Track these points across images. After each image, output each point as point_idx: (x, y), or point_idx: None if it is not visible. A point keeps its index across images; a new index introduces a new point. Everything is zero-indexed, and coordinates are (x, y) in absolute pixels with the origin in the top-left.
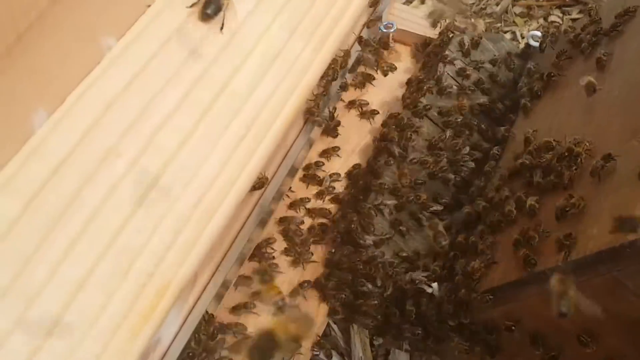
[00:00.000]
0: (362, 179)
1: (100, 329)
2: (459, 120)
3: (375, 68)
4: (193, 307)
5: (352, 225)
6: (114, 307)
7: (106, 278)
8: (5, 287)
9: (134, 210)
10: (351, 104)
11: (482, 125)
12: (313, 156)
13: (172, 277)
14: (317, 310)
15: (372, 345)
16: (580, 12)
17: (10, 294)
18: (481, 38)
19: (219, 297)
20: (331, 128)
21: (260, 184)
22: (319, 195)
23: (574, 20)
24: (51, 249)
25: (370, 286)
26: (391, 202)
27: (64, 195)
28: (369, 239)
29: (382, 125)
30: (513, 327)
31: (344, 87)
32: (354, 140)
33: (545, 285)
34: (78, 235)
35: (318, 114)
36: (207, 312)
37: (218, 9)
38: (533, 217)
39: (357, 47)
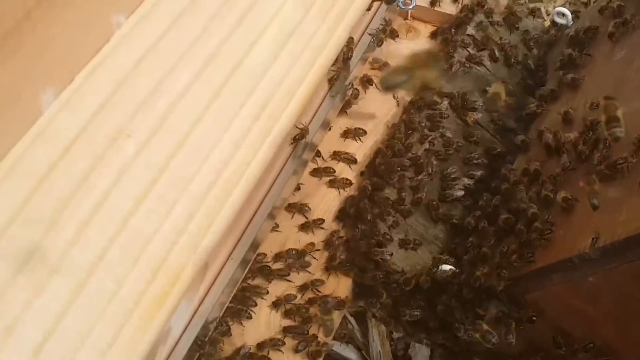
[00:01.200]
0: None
1: (111, 315)
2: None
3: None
4: (204, 297)
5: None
6: (125, 293)
7: (117, 263)
8: (15, 273)
9: (145, 194)
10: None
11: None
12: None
13: (185, 263)
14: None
15: (390, 338)
16: None
17: (19, 279)
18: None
19: (233, 284)
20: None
21: (301, 135)
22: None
23: None
24: (61, 233)
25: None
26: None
27: (73, 177)
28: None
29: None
30: (534, 318)
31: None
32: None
33: (571, 273)
34: (88, 219)
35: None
36: None
37: None
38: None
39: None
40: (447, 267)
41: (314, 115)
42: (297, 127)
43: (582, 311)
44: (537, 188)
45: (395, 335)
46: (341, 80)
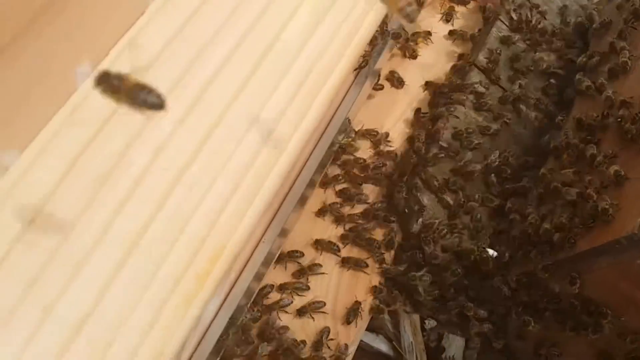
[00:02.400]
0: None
1: (152, 295)
2: None
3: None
4: (236, 281)
5: None
6: (166, 272)
7: (157, 243)
8: (53, 251)
9: (183, 171)
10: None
11: None
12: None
13: (226, 242)
14: None
15: (422, 329)
16: None
17: (58, 257)
18: None
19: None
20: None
21: (365, 62)
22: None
23: None
24: (99, 211)
25: None
26: None
27: (110, 154)
28: None
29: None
30: (575, 303)
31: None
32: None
33: (619, 255)
34: (126, 197)
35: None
36: None
37: None
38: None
39: None
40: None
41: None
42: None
43: (630, 296)
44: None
45: (428, 325)
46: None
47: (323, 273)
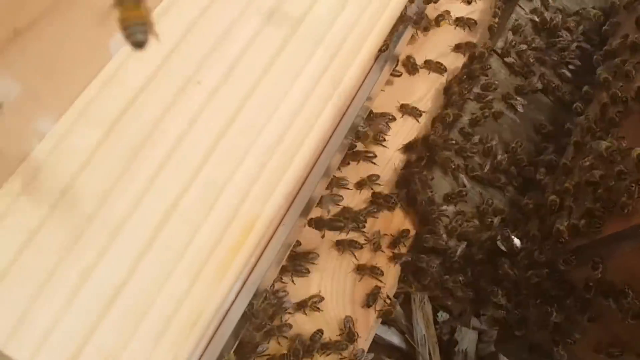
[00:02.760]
0: None
1: (187, 263)
2: None
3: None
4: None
5: None
6: (201, 241)
7: (191, 212)
8: (90, 217)
9: (216, 142)
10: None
11: None
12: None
13: (259, 212)
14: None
15: (435, 322)
16: None
17: (93, 224)
18: None
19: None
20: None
21: (385, 46)
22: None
23: None
24: (134, 180)
25: None
26: None
27: (144, 124)
28: None
29: None
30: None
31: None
32: None
33: None
34: (160, 167)
35: None
36: None
37: None
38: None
39: None
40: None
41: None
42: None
43: None
44: None
45: (441, 319)
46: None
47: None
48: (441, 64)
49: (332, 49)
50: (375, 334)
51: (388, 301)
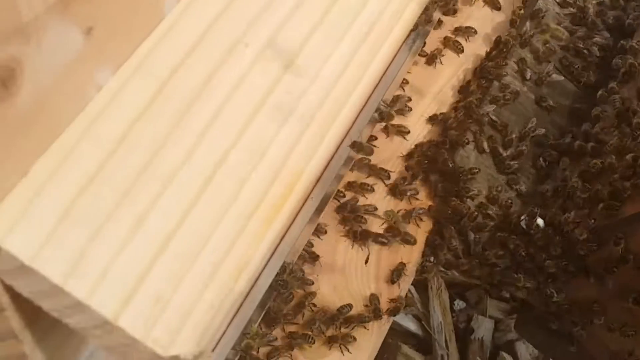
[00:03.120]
0: None
1: (233, 215)
2: None
3: None
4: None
5: None
6: (246, 195)
7: (239, 166)
8: (144, 166)
9: (262, 101)
10: None
11: None
12: None
13: (303, 168)
14: None
15: (452, 310)
16: None
17: (148, 173)
18: None
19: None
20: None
21: (415, 26)
22: None
23: None
24: (184, 135)
25: None
26: None
27: (196, 80)
28: None
29: None
30: (615, 270)
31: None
32: None
33: None
34: (211, 121)
35: None
36: None
37: None
38: None
39: None
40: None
41: None
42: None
43: None
44: None
45: (457, 307)
46: None
47: None
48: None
49: (375, 13)
50: (393, 319)
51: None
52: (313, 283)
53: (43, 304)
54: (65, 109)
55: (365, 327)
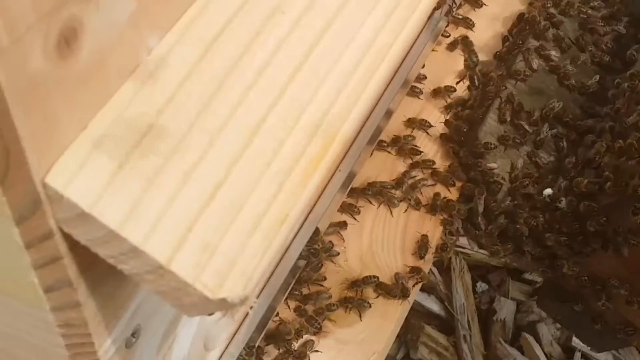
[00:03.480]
0: None
1: (275, 170)
2: None
3: None
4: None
5: None
6: (286, 152)
7: (278, 126)
8: (191, 123)
9: (300, 64)
10: None
11: None
12: None
13: (337, 130)
14: None
15: (474, 292)
16: None
17: (195, 129)
18: None
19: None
20: None
21: (438, 5)
22: None
23: None
24: (229, 94)
25: None
26: None
27: (237, 45)
28: None
29: None
30: (633, 241)
31: None
32: None
33: None
34: (251, 84)
35: None
36: None
37: None
38: None
39: None
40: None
41: None
42: None
43: None
44: None
45: (479, 288)
46: None
47: None
48: None
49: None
50: (415, 300)
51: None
52: (338, 254)
53: (100, 250)
54: (119, 69)
55: (391, 297)
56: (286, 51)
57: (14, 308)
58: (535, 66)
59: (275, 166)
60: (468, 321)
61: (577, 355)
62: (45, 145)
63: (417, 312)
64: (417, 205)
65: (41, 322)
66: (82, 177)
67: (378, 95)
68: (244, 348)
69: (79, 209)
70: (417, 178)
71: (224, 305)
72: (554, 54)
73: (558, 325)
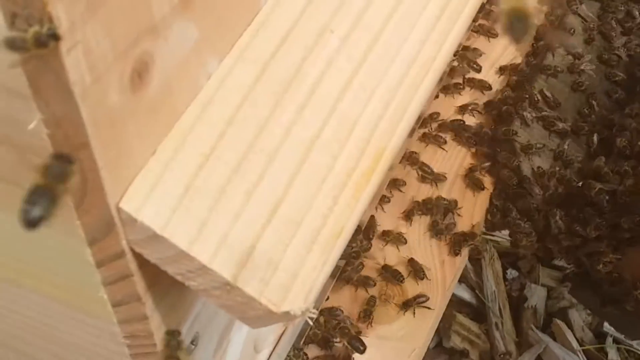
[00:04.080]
0: None
1: (330, 185)
2: None
3: None
4: None
5: None
6: (339, 167)
7: (331, 142)
8: (250, 144)
9: (349, 80)
10: None
11: None
12: None
13: (385, 145)
14: None
15: (504, 279)
16: None
17: (254, 150)
18: None
19: None
20: None
21: None
22: None
23: None
24: (283, 114)
25: None
26: None
27: (290, 65)
28: None
29: None
30: None
31: None
32: None
33: None
34: (304, 102)
35: None
36: None
37: None
38: None
39: None
40: None
41: None
42: None
43: None
44: None
45: (510, 275)
46: None
47: None
48: None
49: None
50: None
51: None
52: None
53: (169, 268)
54: (183, 96)
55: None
56: (336, 68)
57: (80, 320)
58: None
59: (330, 181)
60: (499, 308)
61: (609, 340)
62: (119, 172)
63: (449, 301)
64: None
65: (108, 333)
66: (153, 200)
67: (422, 107)
68: (290, 350)
69: (151, 231)
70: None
71: (287, 317)
72: None
73: (589, 311)
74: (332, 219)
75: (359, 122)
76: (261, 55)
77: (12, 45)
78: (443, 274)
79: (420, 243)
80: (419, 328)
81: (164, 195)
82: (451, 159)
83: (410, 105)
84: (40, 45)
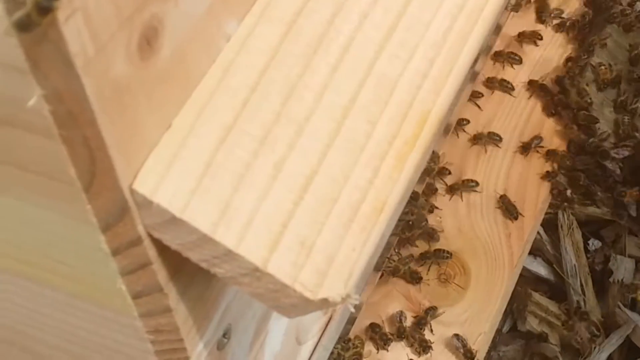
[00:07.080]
0: None
1: (368, 155)
2: None
3: None
4: None
5: None
6: (379, 135)
7: (368, 106)
8: (277, 113)
9: (386, 39)
10: None
11: None
12: None
13: (431, 106)
14: None
15: (586, 251)
16: None
17: (282, 119)
18: None
19: None
20: None
21: None
22: None
23: None
24: (313, 77)
25: None
26: None
27: (319, 22)
28: None
29: None
30: None
31: None
32: None
33: None
34: (337, 63)
35: None
36: None
37: None
38: None
39: None
40: None
41: None
42: None
43: None
44: None
45: (592, 247)
46: None
47: None
48: None
49: None
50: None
51: None
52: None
53: (191, 255)
54: (199, 62)
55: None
56: (371, 23)
57: (99, 315)
58: None
59: (369, 151)
60: (581, 285)
61: None
62: (131, 150)
63: (523, 278)
64: None
65: (129, 328)
66: (170, 180)
67: (471, 63)
68: (338, 342)
69: (169, 214)
70: None
71: (325, 305)
72: None
73: None
74: (373, 193)
75: (400, 82)
76: (286, 12)
77: (21, 25)
78: (509, 248)
79: (484, 217)
80: (485, 310)
81: (181, 173)
82: None
83: (458, 60)
84: (45, 12)
